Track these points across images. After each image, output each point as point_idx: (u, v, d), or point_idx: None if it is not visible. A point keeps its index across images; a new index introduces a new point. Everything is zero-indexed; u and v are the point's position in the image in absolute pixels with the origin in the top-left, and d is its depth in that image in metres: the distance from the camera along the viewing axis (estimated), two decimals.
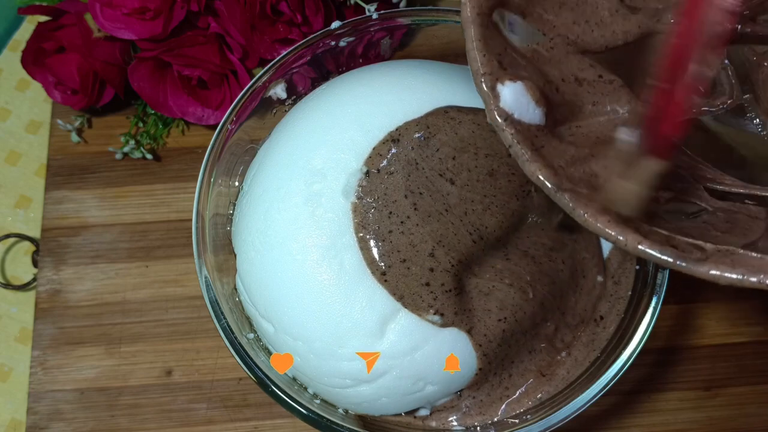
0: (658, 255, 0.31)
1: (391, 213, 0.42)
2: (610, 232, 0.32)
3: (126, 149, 0.59)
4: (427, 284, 0.41)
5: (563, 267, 0.47)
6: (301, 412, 0.43)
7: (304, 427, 0.44)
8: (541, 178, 0.33)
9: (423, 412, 0.46)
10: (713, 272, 0.30)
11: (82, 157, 0.60)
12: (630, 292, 0.47)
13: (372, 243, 0.41)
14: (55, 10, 0.57)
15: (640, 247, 0.31)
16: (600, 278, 0.48)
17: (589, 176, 0.35)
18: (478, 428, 0.46)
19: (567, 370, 0.47)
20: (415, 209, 0.42)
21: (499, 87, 0.35)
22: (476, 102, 0.45)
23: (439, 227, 0.42)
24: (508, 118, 0.34)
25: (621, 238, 0.32)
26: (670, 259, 0.31)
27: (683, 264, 0.31)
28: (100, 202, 0.59)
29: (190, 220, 0.46)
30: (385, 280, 0.41)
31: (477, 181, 0.43)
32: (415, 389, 0.43)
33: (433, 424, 0.46)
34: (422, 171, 0.42)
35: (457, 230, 0.42)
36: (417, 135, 0.43)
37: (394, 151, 0.42)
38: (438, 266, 0.42)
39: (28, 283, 0.58)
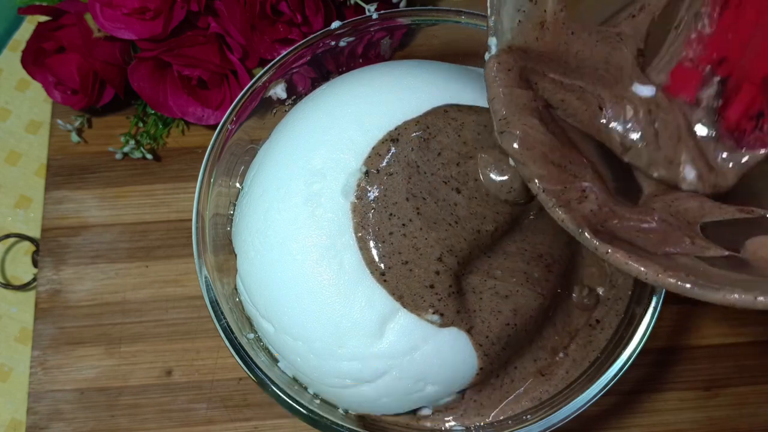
0: (676, 283, 0.33)
1: (392, 215, 0.42)
2: (632, 265, 0.34)
3: (126, 149, 0.59)
4: (432, 286, 0.41)
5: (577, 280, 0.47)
6: (301, 412, 0.43)
7: (304, 427, 0.44)
8: (566, 221, 0.35)
9: (425, 412, 0.46)
10: (728, 297, 0.31)
11: (82, 157, 0.60)
12: (630, 293, 0.47)
13: (371, 243, 0.41)
14: (55, 10, 0.57)
15: (660, 276, 0.33)
16: (601, 291, 0.48)
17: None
18: (474, 428, 0.46)
19: (566, 370, 0.47)
20: (418, 213, 0.42)
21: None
22: (477, 101, 0.45)
23: (447, 237, 0.42)
24: None
25: (643, 269, 0.33)
26: (688, 286, 0.33)
27: (703, 292, 0.32)
28: (100, 202, 0.59)
29: (190, 220, 0.46)
30: (385, 280, 0.41)
31: (486, 194, 0.43)
32: (416, 389, 0.43)
33: (434, 424, 0.46)
34: (424, 175, 0.42)
35: (471, 246, 0.42)
36: (416, 134, 0.43)
37: (393, 151, 0.42)
38: (447, 271, 0.41)
39: (28, 283, 0.58)
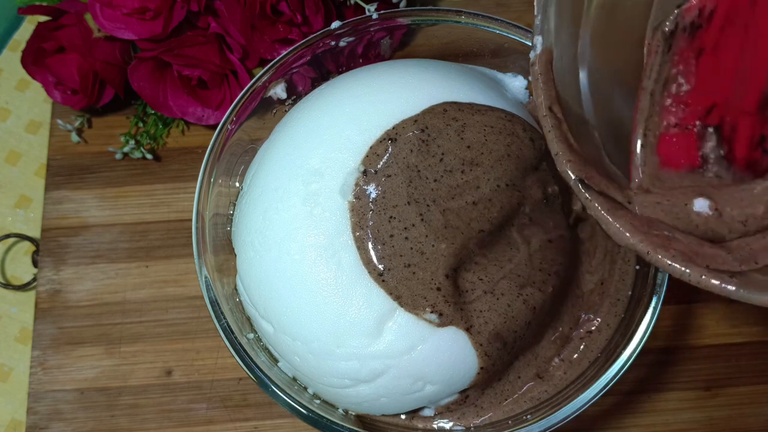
0: (720, 285, 0.34)
1: (392, 217, 0.41)
2: (675, 267, 0.34)
3: (126, 149, 0.59)
4: (439, 289, 0.41)
5: (581, 284, 0.48)
6: (301, 412, 0.43)
7: (304, 427, 0.44)
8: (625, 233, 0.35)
9: (427, 412, 0.46)
10: None
11: (82, 157, 0.60)
12: (630, 292, 0.47)
13: (370, 244, 0.41)
14: (55, 10, 0.57)
15: (703, 277, 0.34)
16: (601, 293, 0.48)
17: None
18: (474, 428, 0.45)
19: (564, 371, 0.47)
20: (422, 220, 0.41)
21: None
22: (477, 99, 0.45)
23: (461, 250, 0.42)
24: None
25: (687, 270, 0.34)
26: (732, 288, 0.33)
27: (749, 295, 0.33)
28: (100, 202, 0.59)
29: (190, 220, 0.46)
30: (383, 281, 0.41)
31: (490, 200, 0.43)
32: (415, 389, 0.43)
33: (434, 425, 0.46)
34: (426, 181, 0.42)
35: (478, 252, 0.42)
36: (414, 134, 0.42)
37: (391, 150, 0.42)
38: (454, 275, 0.42)
39: (28, 283, 0.58)
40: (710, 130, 0.37)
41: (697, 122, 0.37)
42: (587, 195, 0.36)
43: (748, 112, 0.36)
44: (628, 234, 0.35)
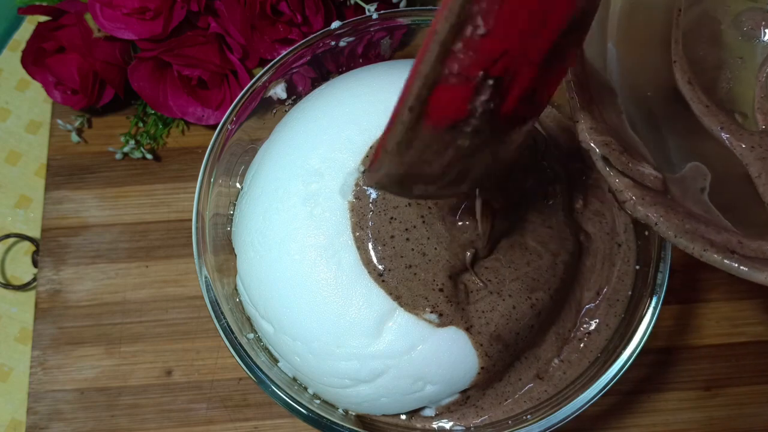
0: (721, 260, 0.33)
1: (392, 218, 0.41)
2: (680, 240, 0.34)
3: (126, 149, 0.59)
4: (441, 290, 0.41)
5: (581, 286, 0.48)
6: (301, 412, 0.43)
7: (304, 427, 0.44)
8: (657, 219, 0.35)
9: (428, 412, 0.46)
10: None
11: (82, 157, 0.60)
12: (630, 293, 0.47)
13: (370, 244, 0.41)
14: (55, 10, 0.57)
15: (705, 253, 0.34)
16: (601, 293, 0.48)
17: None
18: (474, 428, 0.45)
19: (564, 371, 0.47)
20: (423, 222, 0.41)
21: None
22: None
23: (458, 248, 0.42)
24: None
25: (690, 245, 0.34)
26: (735, 264, 0.33)
27: (749, 272, 0.33)
28: (100, 202, 0.59)
29: (190, 220, 0.46)
30: (383, 281, 0.41)
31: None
32: (415, 389, 0.43)
33: (434, 425, 0.46)
34: None
35: (479, 253, 0.42)
36: None
37: None
38: (456, 276, 0.41)
39: (28, 283, 0.58)
40: (490, 81, 0.31)
41: (481, 72, 0.31)
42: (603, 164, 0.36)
43: (533, 62, 0.32)
44: (623, 189, 0.35)
